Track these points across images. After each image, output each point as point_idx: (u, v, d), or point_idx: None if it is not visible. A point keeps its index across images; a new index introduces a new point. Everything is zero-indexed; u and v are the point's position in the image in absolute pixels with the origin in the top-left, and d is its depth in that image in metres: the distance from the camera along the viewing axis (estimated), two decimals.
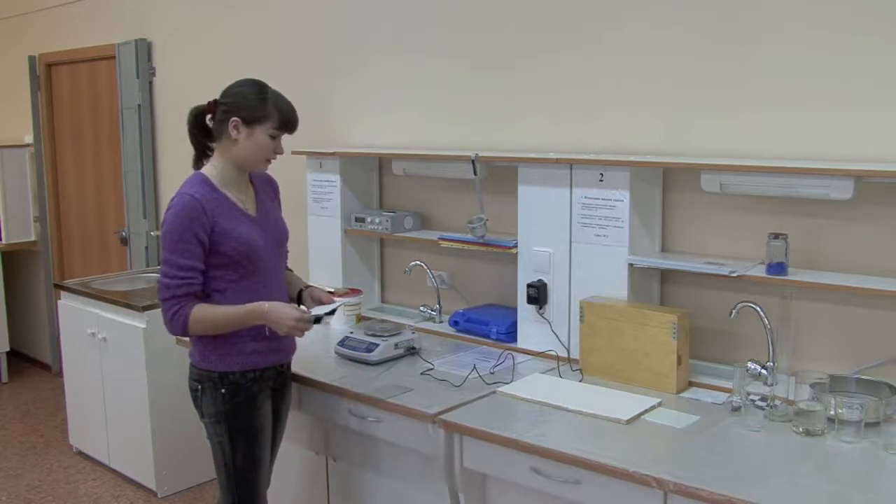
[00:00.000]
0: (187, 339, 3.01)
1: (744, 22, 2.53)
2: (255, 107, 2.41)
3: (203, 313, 2.38)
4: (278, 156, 2.51)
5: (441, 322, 3.32)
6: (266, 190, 2.64)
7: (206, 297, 2.42)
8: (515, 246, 2.96)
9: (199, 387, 2.48)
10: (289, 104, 2.47)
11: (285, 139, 2.49)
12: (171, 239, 2.36)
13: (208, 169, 2.48)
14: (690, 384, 2.56)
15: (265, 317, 2.40)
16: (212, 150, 2.51)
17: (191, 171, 2.52)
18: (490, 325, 3.06)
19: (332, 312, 2.56)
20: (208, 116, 2.48)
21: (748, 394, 2.34)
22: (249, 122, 2.41)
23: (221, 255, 2.41)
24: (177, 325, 2.39)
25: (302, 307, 2.58)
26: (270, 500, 2.63)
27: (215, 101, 2.46)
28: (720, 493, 1.85)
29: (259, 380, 2.49)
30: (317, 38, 3.80)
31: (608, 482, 2.03)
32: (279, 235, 2.59)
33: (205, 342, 2.46)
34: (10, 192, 5.62)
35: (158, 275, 2.43)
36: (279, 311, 2.40)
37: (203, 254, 2.38)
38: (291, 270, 2.76)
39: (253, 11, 4.10)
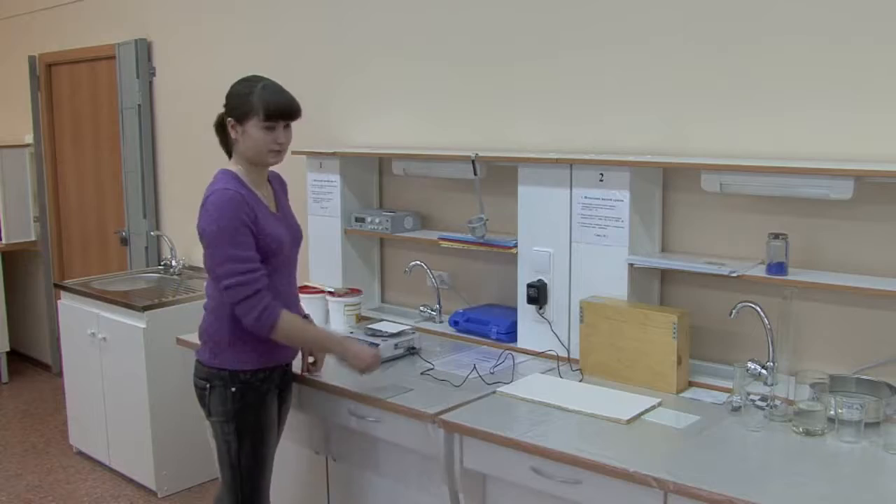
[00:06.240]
0: (185, 338, 3.00)
1: (744, 22, 2.53)
2: (241, 104, 2.42)
3: (292, 323, 2.43)
4: (283, 146, 2.46)
5: (441, 322, 3.31)
6: (281, 189, 2.67)
7: None
8: (515, 246, 2.96)
9: (208, 385, 2.47)
10: (276, 93, 2.43)
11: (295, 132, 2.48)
12: (226, 233, 2.32)
13: (232, 166, 2.50)
14: (690, 384, 2.56)
15: (343, 346, 2.53)
16: None
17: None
18: (490, 325, 3.06)
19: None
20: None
21: (748, 394, 2.34)
22: (240, 119, 2.42)
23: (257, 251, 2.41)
24: (266, 324, 2.36)
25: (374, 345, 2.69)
26: (271, 499, 2.63)
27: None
28: (720, 493, 1.85)
29: (267, 379, 2.50)
30: (317, 38, 3.80)
31: (608, 482, 2.03)
32: (297, 234, 2.62)
33: (217, 339, 2.45)
34: (10, 192, 5.61)
35: (214, 279, 2.34)
36: (358, 347, 2.56)
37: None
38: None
39: (253, 12, 4.10)
